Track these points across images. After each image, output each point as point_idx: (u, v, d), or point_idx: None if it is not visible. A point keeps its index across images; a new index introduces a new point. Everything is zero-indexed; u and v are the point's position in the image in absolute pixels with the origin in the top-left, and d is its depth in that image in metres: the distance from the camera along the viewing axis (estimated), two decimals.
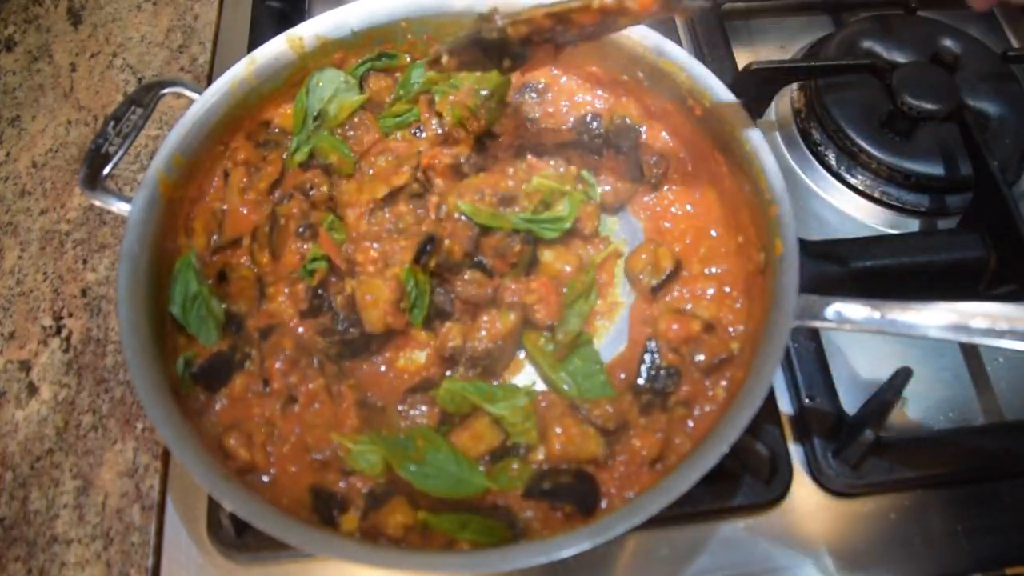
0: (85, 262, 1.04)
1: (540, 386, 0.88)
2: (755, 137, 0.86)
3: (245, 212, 0.94)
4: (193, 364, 0.83)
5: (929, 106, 1.06)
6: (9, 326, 1.00)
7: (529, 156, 0.96)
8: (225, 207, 0.95)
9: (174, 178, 0.88)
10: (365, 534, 0.73)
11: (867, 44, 1.18)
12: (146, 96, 0.93)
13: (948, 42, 1.18)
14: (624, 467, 0.79)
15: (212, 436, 0.79)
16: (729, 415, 0.72)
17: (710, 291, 0.90)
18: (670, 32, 1.22)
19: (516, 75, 1.01)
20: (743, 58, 1.16)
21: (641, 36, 0.94)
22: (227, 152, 0.96)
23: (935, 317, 0.70)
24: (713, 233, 0.94)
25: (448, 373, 0.87)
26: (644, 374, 0.84)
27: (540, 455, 0.80)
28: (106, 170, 0.88)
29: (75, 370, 0.96)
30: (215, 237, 0.93)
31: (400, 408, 0.84)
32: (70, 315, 1.00)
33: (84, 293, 1.02)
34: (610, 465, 0.78)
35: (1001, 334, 0.68)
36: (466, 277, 0.90)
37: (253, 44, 1.18)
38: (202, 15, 1.27)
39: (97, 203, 0.87)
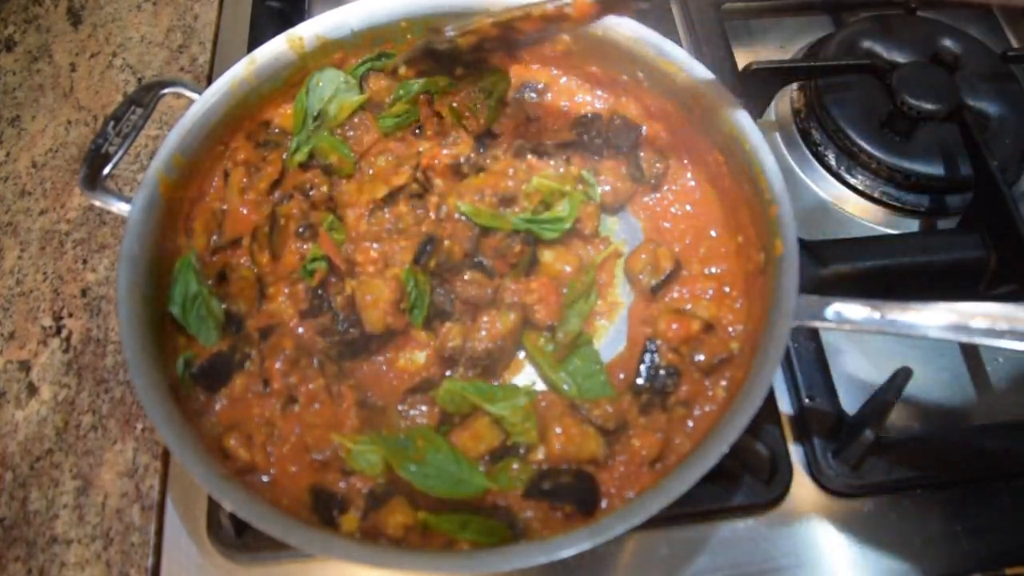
0: (85, 262, 1.04)
1: (540, 386, 0.88)
2: (755, 137, 0.86)
3: (245, 212, 0.94)
4: (193, 364, 0.83)
5: (929, 106, 1.06)
6: (9, 326, 1.00)
7: (529, 156, 0.96)
8: (225, 207, 0.94)
9: (174, 178, 0.88)
10: (365, 534, 0.73)
11: (867, 44, 1.18)
12: (146, 96, 0.93)
13: (948, 42, 1.18)
14: (624, 467, 0.78)
15: (212, 436, 0.79)
16: (729, 415, 0.72)
17: (710, 291, 0.90)
18: (670, 32, 1.22)
19: (516, 75, 1.02)
20: (743, 58, 1.16)
21: (641, 36, 0.94)
22: (227, 152, 0.96)
23: (935, 317, 0.70)
24: (713, 233, 0.94)
25: (448, 373, 0.87)
26: (644, 374, 0.83)
27: (540, 455, 0.80)
28: (106, 170, 0.88)
29: (75, 370, 0.96)
30: (215, 237, 0.93)
31: (400, 408, 0.84)
32: (70, 315, 1.00)
33: (84, 293, 1.02)
34: (610, 465, 0.78)
35: (1001, 334, 0.68)
36: (466, 277, 0.90)
37: (253, 44, 1.18)
38: (202, 15, 1.27)
39: (97, 203, 0.87)
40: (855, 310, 0.73)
